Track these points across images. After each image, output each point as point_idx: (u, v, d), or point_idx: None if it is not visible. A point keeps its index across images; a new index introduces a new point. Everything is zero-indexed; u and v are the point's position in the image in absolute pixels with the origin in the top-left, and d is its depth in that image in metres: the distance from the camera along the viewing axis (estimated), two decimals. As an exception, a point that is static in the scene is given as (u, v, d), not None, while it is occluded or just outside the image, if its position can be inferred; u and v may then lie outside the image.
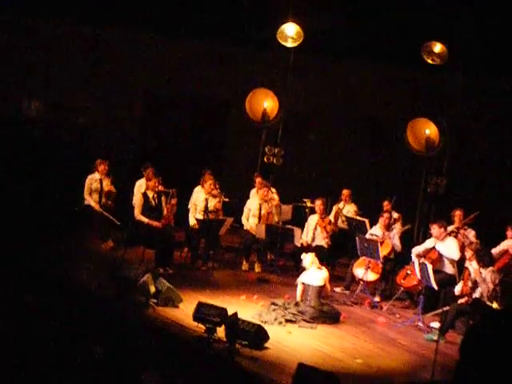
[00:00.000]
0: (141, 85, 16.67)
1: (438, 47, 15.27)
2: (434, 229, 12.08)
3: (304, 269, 11.24)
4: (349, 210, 14.36)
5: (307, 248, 12.80)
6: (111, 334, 9.13)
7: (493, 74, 15.17)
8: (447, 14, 14.62)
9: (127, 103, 16.80)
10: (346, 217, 14.17)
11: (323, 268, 11.20)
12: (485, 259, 10.72)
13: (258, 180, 14.44)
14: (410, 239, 14.27)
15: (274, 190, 14.42)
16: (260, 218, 13.69)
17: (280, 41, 15.59)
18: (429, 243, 12.18)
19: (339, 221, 14.19)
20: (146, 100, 17.01)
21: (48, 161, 14.66)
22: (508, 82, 15.37)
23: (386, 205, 13.66)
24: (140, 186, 13.80)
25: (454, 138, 15.56)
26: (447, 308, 10.65)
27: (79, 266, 12.00)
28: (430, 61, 15.29)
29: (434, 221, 12.58)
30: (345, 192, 14.46)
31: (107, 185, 13.98)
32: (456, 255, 11.84)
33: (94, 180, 13.97)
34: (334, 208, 14.30)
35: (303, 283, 11.01)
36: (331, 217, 13.96)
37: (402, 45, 14.97)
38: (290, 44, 15.65)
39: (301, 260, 11.44)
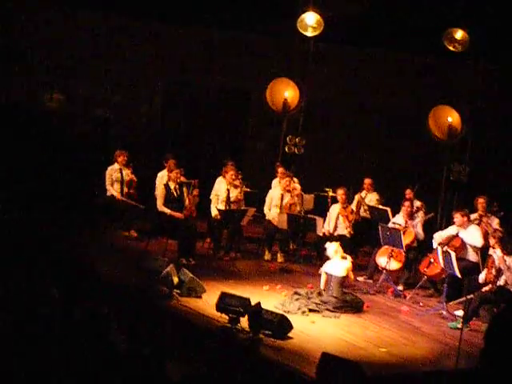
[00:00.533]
0: (161, 75, 16.66)
1: (459, 34, 15.16)
2: (457, 217, 12.01)
3: (328, 258, 11.22)
4: (371, 198, 14.31)
5: (329, 237, 12.78)
6: (135, 324, 9.17)
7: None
8: (468, 0, 14.51)
9: (148, 94, 16.81)
10: (368, 206, 14.12)
11: (347, 257, 11.17)
12: (508, 246, 10.66)
13: (280, 170, 14.42)
14: (433, 228, 14.21)
15: (296, 179, 14.41)
16: (282, 207, 13.68)
17: (300, 30, 15.54)
18: (451, 230, 12.12)
19: (361, 210, 14.14)
20: (167, 90, 17.00)
21: (70, 152, 14.72)
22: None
23: (409, 193, 13.59)
24: (162, 177, 13.84)
25: (477, 125, 15.47)
26: (471, 296, 10.60)
27: (104, 257, 12.08)
28: (451, 48, 15.19)
29: (456, 209, 12.50)
30: (367, 181, 14.42)
31: (127, 174, 14.13)
32: (479, 242, 11.79)
33: (114, 170, 14.11)
34: (356, 197, 14.26)
35: (326, 273, 11.00)
36: (353, 206, 13.91)
37: (423, 32, 14.86)
38: (310, 33, 15.59)
39: (324, 249, 11.43)
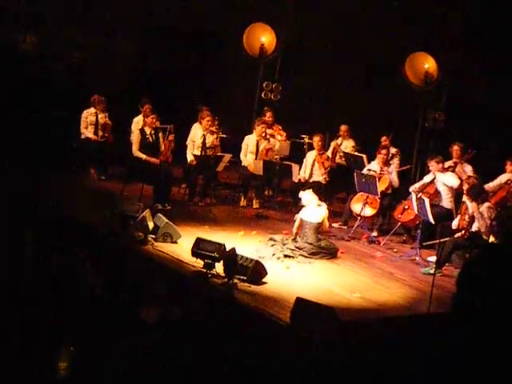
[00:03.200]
0: (137, 19, 16.44)
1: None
2: (432, 165, 12.07)
3: (303, 206, 11.25)
4: (347, 145, 14.31)
5: (305, 184, 12.81)
6: (110, 269, 9.19)
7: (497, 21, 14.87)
8: None
9: (123, 39, 16.60)
10: (344, 152, 14.12)
11: (323, 204, 11.20)
12: (480, 195, 10.75)
13: (269, 114, 14.43)
14: (408, 175, 14.28)
15: (279, 126, 14.43)
16: (258, 154, 13.68)
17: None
18: (427, 178, 12.19)
19: (337, 157, 14.16)
20: (143, 35, 16.79)
21: (45, 96, 14.57)
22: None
23: (384, 140, 13.58)
24: (137, 122, 13.81)
25: (453, 74, 15.42)
26: (445, 240, 10.69)
27: (79, 201, 12.04)
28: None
29: (431, 157, 12.52)
30: (343, 127, 14.39)
31: (102, 118, 14.27)
32: (456, 183, 11.84)
33: (89, 114, 14.30)
34: (332, 144, 14.26)
35: (302, 219, 11.03)
36: (329, 153, 13.93)
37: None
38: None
39: (298, 197, 11.46)
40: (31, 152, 13.17)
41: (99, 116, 14.23)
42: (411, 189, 12.17)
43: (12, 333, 6.64)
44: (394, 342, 7.49)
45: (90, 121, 14.22)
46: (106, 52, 16.32)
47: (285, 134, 14.45)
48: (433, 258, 11.07)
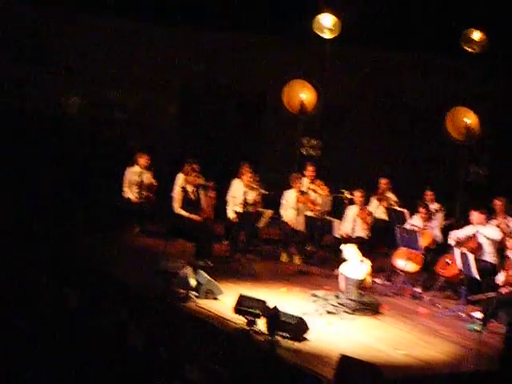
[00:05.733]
0: (177, 77, 16.67)
1: (477, 35, 15.08)
2: (474, 215, 11.94)
3: (344, 260, 11.17)
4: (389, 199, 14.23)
5: (347, 239, 12.74)
6: (153, 326, 9.18)
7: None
8: (487, 1, 14.41)
9: (164, 97, 16.82)
10: (386, 207, 14.06)
11: (365, 261, 11.11)
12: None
13: (311, 169, 14.41)
14: (452, 230, 14.15)
15: (321, 182, 14.41)
16: (298, 209, 13.66)
17: (316, 31, 15.50)
18: (469, 230, 12.04)
19: (379, 211, 14.07)
20: (183, 93, 17.00)
21: (88, 156, 14.77)
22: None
23: (428, 195, 13.54)
24: (180, 179, 13.85)
25: (494, 127, 15.37)
26: (491, 295, 10.51)
27: (121, 260, 12.09)
28: (469, 49, 15.11)
29: (474, 208, 12.40)
30: (383, 181, 14.32)
31: (148, 178, 14.12)
32: (498, 235, 11.70)
33: (133, 173, 14.13)
34: (372, 199, 14.16)
35: (343, 275, 10.96)
36: (371, 208, 13.84)
37: (441, 33, 14.77)
38: (326, 35, 15.54)
39: (340, 251, 11.39)
40: (73, 210, 13.32)
41: (144, 176, 14.10)
42: (451, 237, 12.03)
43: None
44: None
45: (135, 181, 14.03)
46: (148, 111, 16.54)
47: (327, 190, 14.38)
48: (478, 314, 10.87)
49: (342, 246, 11.27)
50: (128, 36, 16.17)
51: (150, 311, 9.96)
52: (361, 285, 10.92)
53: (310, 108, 16.08)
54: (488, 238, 11.79)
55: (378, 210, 13.87)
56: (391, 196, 14.27)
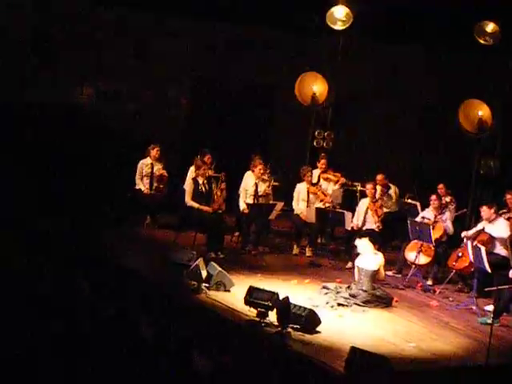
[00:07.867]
0: (188, 70, 16.64)
1: (490, 27, 15.00)
2: (484, 210, 11.90)
3: (358, 254, 11.18)
4: (394, 190, 14.23)
5: (358, 232, 12.73)
6: (163, 317, 9.19)
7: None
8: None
9: (174, 90, 16.81)
10: (398, 200, 14.05)
11: (379, 253, 11.13)
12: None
13: (322, 161, 14.42)
14: (463, 222, 14.12)
15: (337, 174, 14.40)
16: (309, 202, 13.66)
17: (329, 23, 15.46)
18: (479, 226, 12.03)
19: (390, 203, 14.07)
20: (194, 86, 16.98)
21: (100, 146, 14.78)
22: None
23: (441, 188, 13.53)
24: (192, 171, 13.85)
25: (507, 119, 15.29)
26: (503, 288, 10.46)
27: (132, 251, 12.12)
28: (482, 41, 15.03)
29: (484, 203, 12.36)
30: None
31: (159, 169, 14.24)
32: (506, 233, 11.65)
33: (145, 165, 14.30)
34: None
35: (358, 266, 10.97)
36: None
37: (453, 25, 14.69)
38: (339, 27, 15.50)
39: (354, 245, 11.40)
40: (85, 202, 13.35)
41: (155, 168, 14.24)
42: (463, 234, 12.02)
43: None
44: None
45: (146, 172, 14.19)
46: (159, 103, 16.53)
47: (339, 175, 14.36)
48: (490, 307, 10.84)
49: (357, 241, 11.25)
50: (140, 28, 16.14)
51: (161, 302, 9.97)
52: (375, 276, 10.92)
53: (322, 100, 16.05)
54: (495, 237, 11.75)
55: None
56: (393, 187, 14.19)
